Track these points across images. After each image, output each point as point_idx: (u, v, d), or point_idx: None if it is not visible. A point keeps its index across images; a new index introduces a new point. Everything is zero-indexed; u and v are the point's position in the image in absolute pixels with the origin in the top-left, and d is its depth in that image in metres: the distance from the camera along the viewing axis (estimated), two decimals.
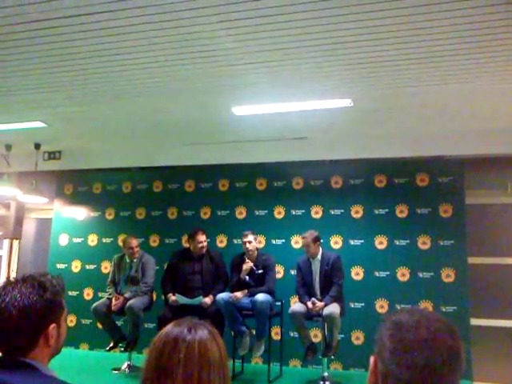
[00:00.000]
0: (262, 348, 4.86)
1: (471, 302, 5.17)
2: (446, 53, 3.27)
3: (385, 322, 1.04)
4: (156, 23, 2.96)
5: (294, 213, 5.88)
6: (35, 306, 1.32)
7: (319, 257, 4.98)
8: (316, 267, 4.97)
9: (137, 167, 6.50)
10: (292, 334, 5.39)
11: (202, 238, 5.17)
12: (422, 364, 0.94)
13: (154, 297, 5.55)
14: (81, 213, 6.70)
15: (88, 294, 6.40)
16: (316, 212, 5.81)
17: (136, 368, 5.11)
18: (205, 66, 3.60)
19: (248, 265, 4.99)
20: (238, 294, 4.83)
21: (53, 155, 6.49)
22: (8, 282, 1.37)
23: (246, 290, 4.91)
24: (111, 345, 5.21)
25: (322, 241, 5.08)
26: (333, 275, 4.88)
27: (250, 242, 5.05)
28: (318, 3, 2.68)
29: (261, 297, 4.75)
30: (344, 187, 5.78)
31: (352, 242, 5.63)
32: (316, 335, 5.38)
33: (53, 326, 1.36)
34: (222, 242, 6.08)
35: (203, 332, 1.13)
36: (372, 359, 1.04)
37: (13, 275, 6.93)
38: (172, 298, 5.01)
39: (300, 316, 4.73)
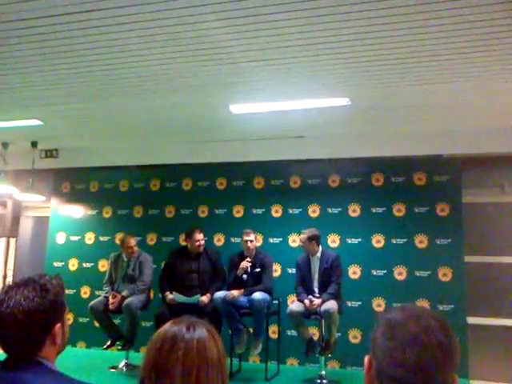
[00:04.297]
0: (260, 346, 4.87)
1: (468, 300, 5.18)
2: (442, 52, 3.28)
3: (379, 321, 1.03)
4: (153, 21, 2.95)
5: (291, 211, 5.88)
6: (40, 308, 1.34)
7: (318, 255, 4.99)
8: (315, 265, 4.98)
9: (134, 165, 6.48)
10: (289, 333, 5.39)
11: (199, 236, 5.17)
12: (413, 361, 0.93)
13: (152, 295, 5.55)
14: (78, 211, 6.68)
15: (85, 293, 6.39)
16: (313, 211, 5.81)
17: (133, 366, 5.11)
18: (202, 63, 3.59)
19: (245, 264, 4.99)
20: (235, 292, 4.83)
21: (50, 153, 6.47)
22: (10, 287, 1.37)
23: (243, 289, 4.91)
24: (108, 343, 5.20)
25: (319, 240, 5.06)
26: (331, 274, 4.88)
27: (251, 241, 5.07)
28: (317, 2, 2.68)
29: (258, 295, 4.75)
30: (341, 186, 5.78)
31: (349, 241, 5.63)
32: (314, 334, 5.37)
33: (58, 325, 1.39)
34: (219, 240, 6.07)
35: (202, 331, 1.13)
36: (366, 359, 1.04)
37: (9, 273, 6.92)
38: (169, 296, 5.00)
39: (298, 315, 4.73)
